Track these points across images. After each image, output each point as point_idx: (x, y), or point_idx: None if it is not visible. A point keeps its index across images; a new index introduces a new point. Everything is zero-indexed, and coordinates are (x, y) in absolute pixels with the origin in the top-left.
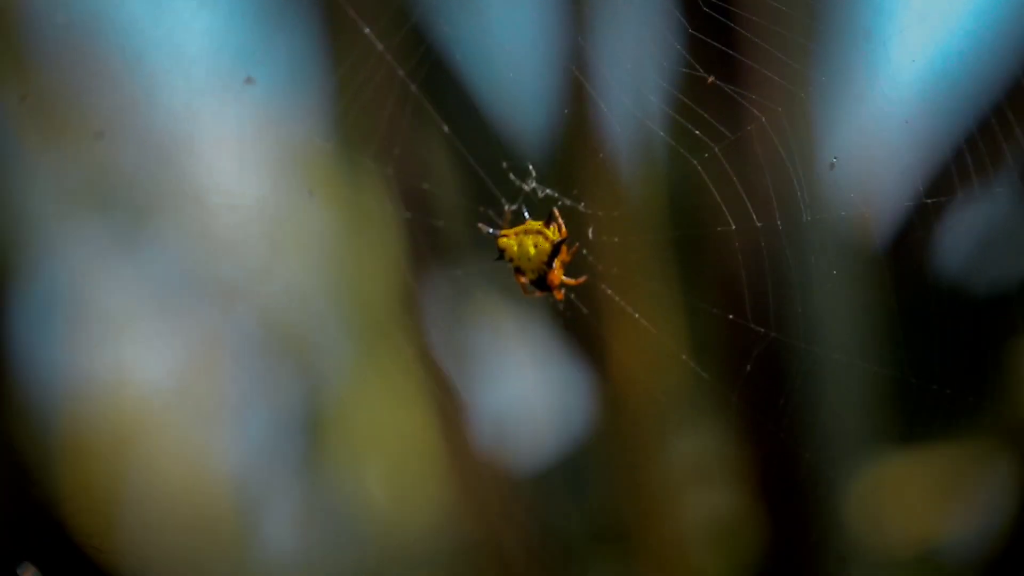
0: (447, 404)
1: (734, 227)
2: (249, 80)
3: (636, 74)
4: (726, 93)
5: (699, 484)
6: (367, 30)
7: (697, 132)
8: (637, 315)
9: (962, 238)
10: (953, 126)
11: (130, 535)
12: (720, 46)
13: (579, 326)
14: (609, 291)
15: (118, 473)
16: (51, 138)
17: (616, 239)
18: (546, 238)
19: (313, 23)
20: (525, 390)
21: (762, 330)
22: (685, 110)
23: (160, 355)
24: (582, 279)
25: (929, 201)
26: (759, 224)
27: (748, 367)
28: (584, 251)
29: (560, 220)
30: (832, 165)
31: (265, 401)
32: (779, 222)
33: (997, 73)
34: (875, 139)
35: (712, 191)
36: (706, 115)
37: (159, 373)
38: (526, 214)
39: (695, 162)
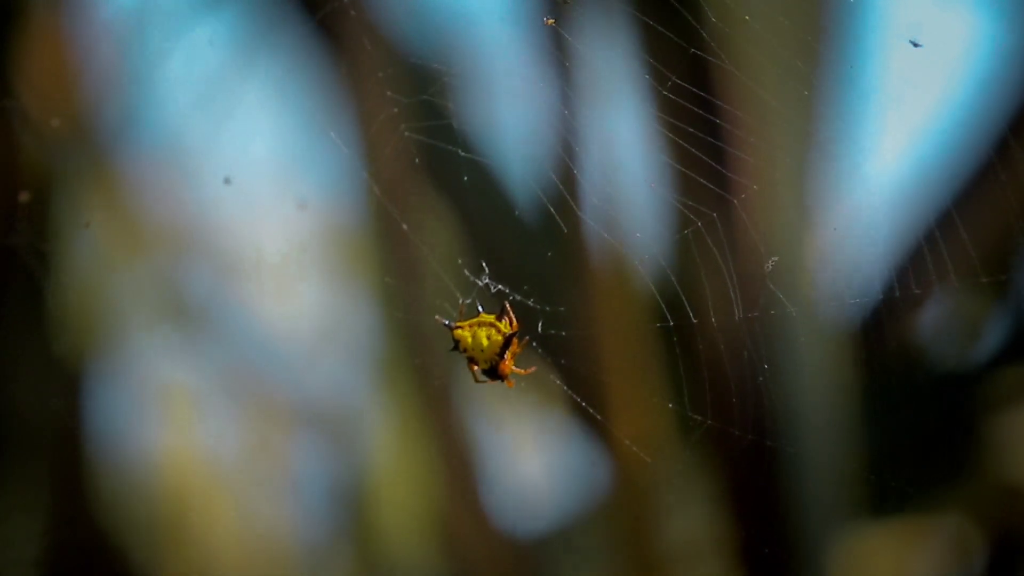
0: (461, 474)
1: (694, 321)
2: (302, 206)
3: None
4: (670, 195)
5: (692, 558)
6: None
7: (639, 235)
8: (588, 408)
9: (917, 331)
10: (913, 221)
11: None
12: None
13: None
14: (558, 383)
15: (184, 541)
16: (134, 253)
17: (564, 333)
18: (498, 331)
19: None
20: (533, 463)
21: (699, 417)
22: (631, 212)
23: (223, 434)
24: (531, 369)
25: (893, 295)
26: (713, 319)
27: (687, 452)
28: (534, 344)
29: (511, 314)
30: (770, 265)
31: (309, 472)
32: (739, 315)
33: (957, 170)
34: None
35: (665, 284)
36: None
37: (223, 449)
38: (480, 308)
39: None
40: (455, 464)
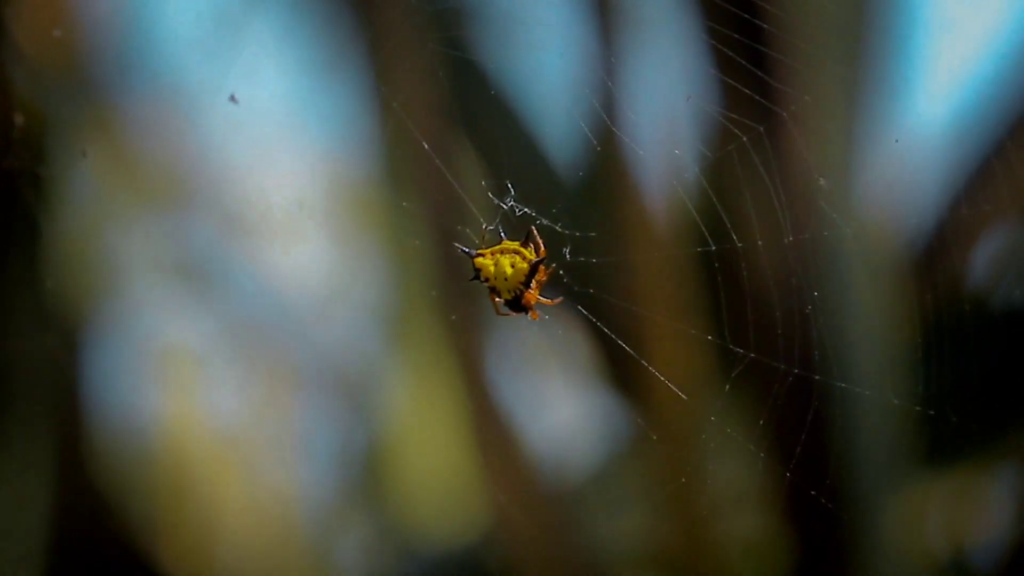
0: (492, 427)
1: (739, 245)
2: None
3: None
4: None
5: (732, 508)
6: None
7: (678, 152)
8: (620, 342)
9: (985, 254)
10: (983, 140)
11: (199, 564)
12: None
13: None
14: (585, 312)
15: (189, 506)
16: (131, 197)
17: (594, 260)
18: (523, 258)
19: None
20: (564, 412)
21: (741, 351)
22: (669, 128)
23: (229, 394)
24: (558, 299)
25: (964, 212)
26: (759, 241)
27: (727, 387)
28: (561, 272)
29: (538, 239)
30: (823, 183)
31: (325, 434)
32: (788, 238)
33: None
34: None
35: (706, 207)
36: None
37: (229, 410)
38: (502, 234)
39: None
40: (477, 412)
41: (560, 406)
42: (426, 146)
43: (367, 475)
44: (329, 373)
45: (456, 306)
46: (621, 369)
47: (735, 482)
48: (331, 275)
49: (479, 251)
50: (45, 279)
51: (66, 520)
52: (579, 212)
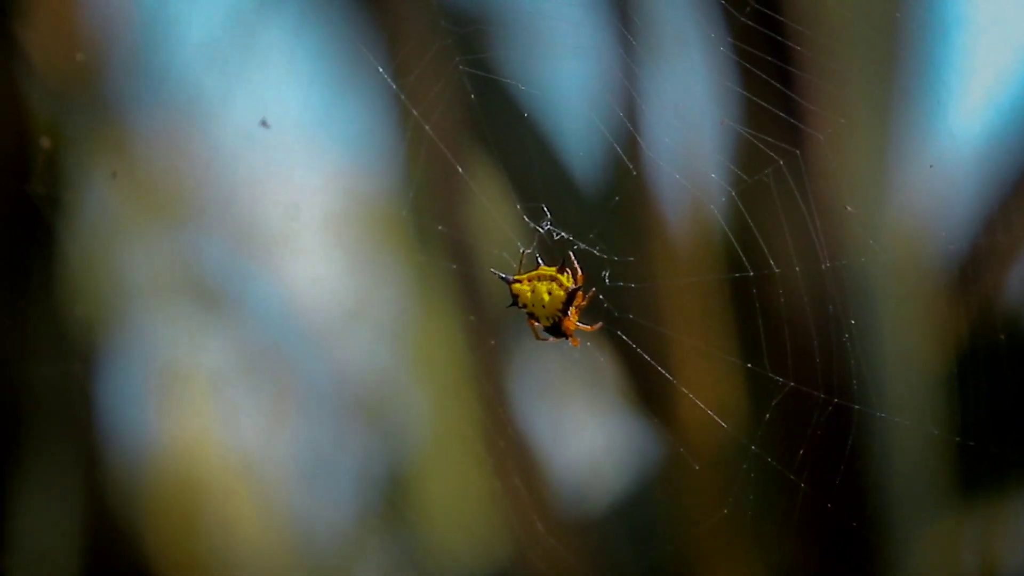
0: (519, 452)
1: (777, 271)
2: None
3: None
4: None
5: (775, 539)
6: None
7: (714, 176)
8: (660, 369)
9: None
10: (1019, 163)
11: None
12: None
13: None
14: (625, 338)
15: (206, 531)
16: (151, 219)
17: (633, 285)
18: (561, 284)
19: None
20: (589, 438)
21: (780, 380)
22: (704, 152)
23: (245, 418)
24: (598, 325)
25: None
26: (797, 268)
27: (767, 416)
28: (601, 297)
29: (576, 264)
30: (857, 208)
31: (343, 461)
32: (825, 264)
33: None
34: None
35: (741, 232)
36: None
37: (244, 435)
38: (539, 259)
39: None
40: (509, 438)
41: (593, 433)
42: (460, 169)
43: (387, 501)
44: (349, 395)
45: (490, 331)
46: (660, 396)
47: (777, 513)
48: (353, 296)
49: (516, 277)
50: (71, 304)
51: (84, 546)
52: (616, 237)
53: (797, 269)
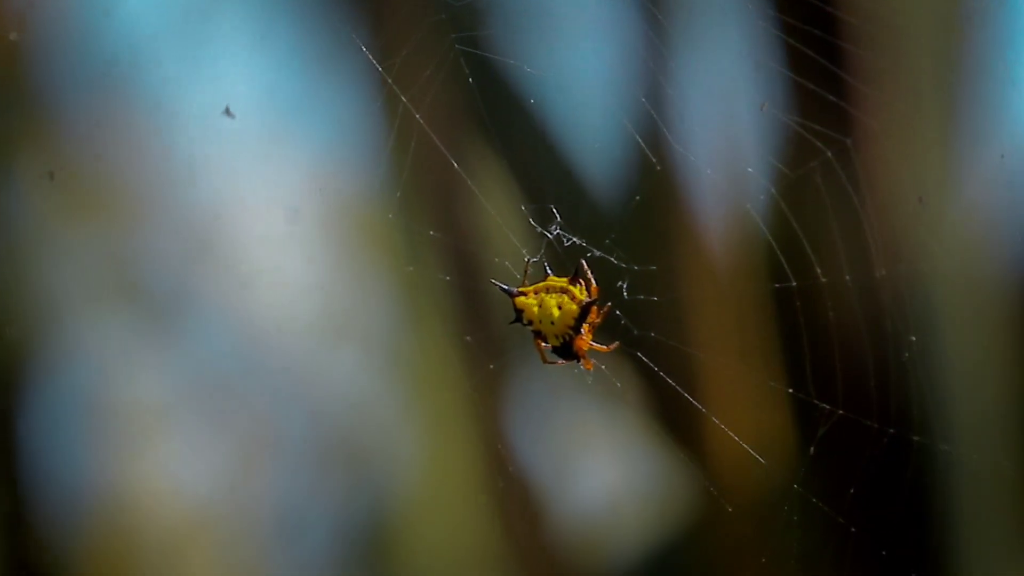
0: (517, 498)
1: (823, 280)
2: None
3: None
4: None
5: None
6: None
7: (751, 170)
8: (687, 396)
9: None
10: None
11: None
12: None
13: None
14: (646, 360)
15: None
16: (79, 218)
17: (655, 298)
18: (572, 297)
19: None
20: (605, 477)
21: (827, 407)
22: (740, 142)
23: (198, 460)
24: (614, 345)
25: None
26: (847, 276)
27: (812, 449)
28: (617, 312)
29: (589, 275)
30: (921, 205)
31: (319, 507)
32: (881, 271)
33: None
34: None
35: (783, 235)
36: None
37: (198, 481)
38: (547, 269)
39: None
40: (510, 477)
41: (609, 471)
42: (455, 164)
43: (370, 556)
44: (324, 432)
45: (490, 353)
46: (687, 427)
47: (824, 562)
48: (331, 315)
49: (520, 289)
50: None
51: None
52: (637, 242)
53: (848, 278)
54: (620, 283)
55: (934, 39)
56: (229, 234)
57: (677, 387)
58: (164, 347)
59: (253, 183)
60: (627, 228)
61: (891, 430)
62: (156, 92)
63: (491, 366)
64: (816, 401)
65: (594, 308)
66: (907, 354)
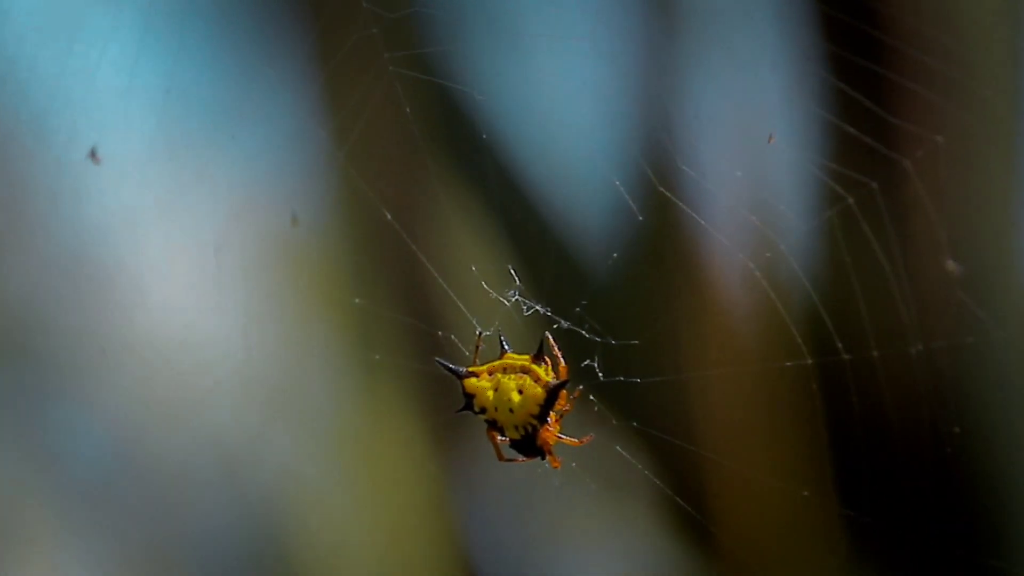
0: None
1: (846, 357)
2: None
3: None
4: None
5: None
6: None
7: (756, 221)
8: (679, 500)
9: None
10: None
11: None
12: None
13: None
14: (627, 456)
15: None
16: None
17: (639, 379)
18: (536, 378)
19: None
20: None
21: (852, 513)
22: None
23: None
24: (587, 438)
25: None
26: (875, 352)
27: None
28: (591, 397)
29: (557, 352)
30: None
31: None
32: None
33: None
34: None
35: (794, 302)
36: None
37: None
38: (506, 345)
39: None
40: None
41: None
42: (388, 215)
43: None
44: (228, 548)
45: (439, 445)
46: (682, 539)
47: None
48: (243, 382)
49: (471, 369)
50: None
51: None
52: (615, 311)
53: (875, 354)
54: (593, 362)
55: (983, 57)
56: (105, 284)
57: (667, 489)
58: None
59: (136, 229)
60: (603, 293)
61: (934, 543)
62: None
63: (431, 466)
64: (840, 506)
65: (563, 393)
66: (949, 448)
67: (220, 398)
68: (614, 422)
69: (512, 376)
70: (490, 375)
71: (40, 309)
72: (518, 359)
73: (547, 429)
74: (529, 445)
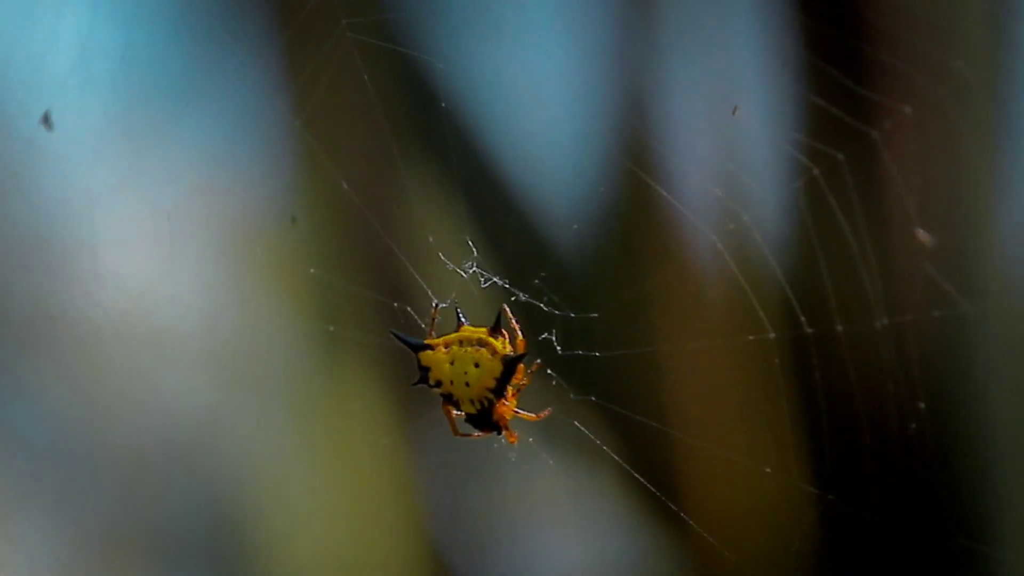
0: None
1: (810, 331)
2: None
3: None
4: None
5: None
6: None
7: (720, 193)
8: (638, 477)
9: None
10: None
11: None
12: None
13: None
14: (585, 431)
15: None
16: None
17: (597, 353)
18: (493, 351)
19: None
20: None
21: (815, 491)
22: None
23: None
24: (545, 412)
25: None
26: (839, 326)
27: (796, 545)
28: (548, 371)
29: (515, 324)
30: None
31: None
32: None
33: None
34: None
35: (756, 275)
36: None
37: None
38: (462, 317)
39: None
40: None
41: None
42: (345, 185)
43: None
44: (181, 522)
45: (396, 420)
46: (643, 517)
47: None
48: (189, 401)
49: (427, 341)
50: None
51: None
52: (575, 283)
53: (839, 328)
54: (551, 335)
55: (957, 27)
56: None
57: (625, 465)
58: None
59: (83, 203)
60: (562, 265)
61: (899, 522)
62: None
63: (384, 441)
64: (802, 484)
65: (520, 366)
66: (914, 424)
67: (172, 368)
68: (572, 396)
69: (468, 349)
70: (446, 348)
71: None
72: (475, 332)
73: (503, 403)
74: (485, 419)
